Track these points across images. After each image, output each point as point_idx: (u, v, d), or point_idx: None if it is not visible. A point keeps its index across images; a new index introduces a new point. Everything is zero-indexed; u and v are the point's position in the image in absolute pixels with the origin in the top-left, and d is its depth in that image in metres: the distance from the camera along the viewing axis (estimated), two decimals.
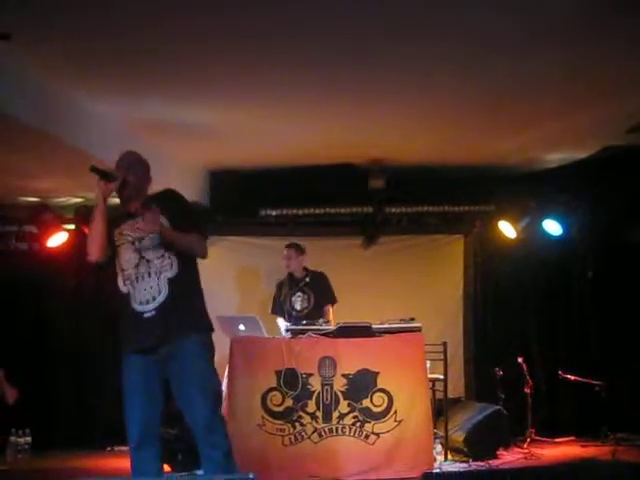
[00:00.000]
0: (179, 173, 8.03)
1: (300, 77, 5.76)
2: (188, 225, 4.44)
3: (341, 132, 7.14)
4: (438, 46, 5.23)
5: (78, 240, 8.60)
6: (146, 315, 4.35)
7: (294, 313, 7.53)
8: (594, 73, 5.75)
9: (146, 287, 4.36)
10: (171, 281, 4.37)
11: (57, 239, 8.52)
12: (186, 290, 4.44)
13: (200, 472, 5.84)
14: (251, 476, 3.19)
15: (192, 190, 8.32)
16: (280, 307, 7.74)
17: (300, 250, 7.77)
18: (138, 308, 4.38)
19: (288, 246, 7.78)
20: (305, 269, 7.80)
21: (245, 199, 8.56)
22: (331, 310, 7.65)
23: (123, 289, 4.45)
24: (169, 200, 4.55)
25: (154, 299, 4.35)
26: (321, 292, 7.72)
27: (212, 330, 4.57)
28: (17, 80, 5.28)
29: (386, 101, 6.34)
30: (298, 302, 7.67)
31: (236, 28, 4.83)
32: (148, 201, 4.47)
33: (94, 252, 4.42)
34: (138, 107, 6.36)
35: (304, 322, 7.00)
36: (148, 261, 4.38)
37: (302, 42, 5.09)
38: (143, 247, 4.39)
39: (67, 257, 8.67)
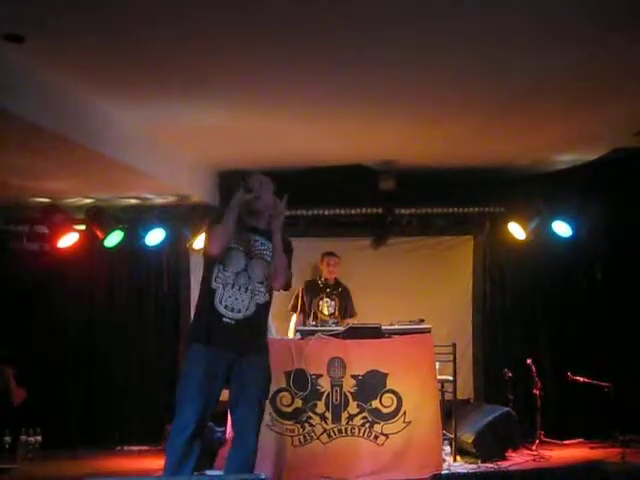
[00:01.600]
0: (189, 173, 8.06)
1: (311, 77, 5.76)
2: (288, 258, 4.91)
3: (352, 133, 7.15)
4: (450, 48, 5.22)
5: (89, 241, 8.65)
6: (225, 320, 4.69)
7: (321, 316, 7.66)
8: (605, 75, 5.74)
9: (238, 297, 4.73)
10: (259, 306, 4.78)
11: (68, 240, 8.54)
12: (264, 318, 4.91)
13: (210, 472, 5.90)
14: (263, 476, 3.21)
15: (202, 190, 8.35)
16: (303, 307, 7.84)
17: (338, 259, 8.10)
18: (221, 310, 4.71)
19: (334, 255, 8.14)
20: (337, 279, 8.13)
21: None
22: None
23: (214, 285, 4.74)
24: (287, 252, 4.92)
25: (239, 311, 4.71)
26: (345, 304, 8.03)
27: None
28: (29, 80, 5.31)
29: (397, 102, 6.34)
30: (326, 307, 7.81)
31: (249, 29, 4.84)
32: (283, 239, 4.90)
33: (218, 248, 4.71)
34: (150, 107, 6.37)
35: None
36: (250, 278, 4.76)
37: (315, 42, 5.09)
38: (252, 262, 4.79)
39: (78, 257, 8.71)
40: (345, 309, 8.02)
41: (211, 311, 4.71)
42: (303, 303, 7.99)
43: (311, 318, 7.84)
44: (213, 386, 4.67)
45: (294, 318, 7.84)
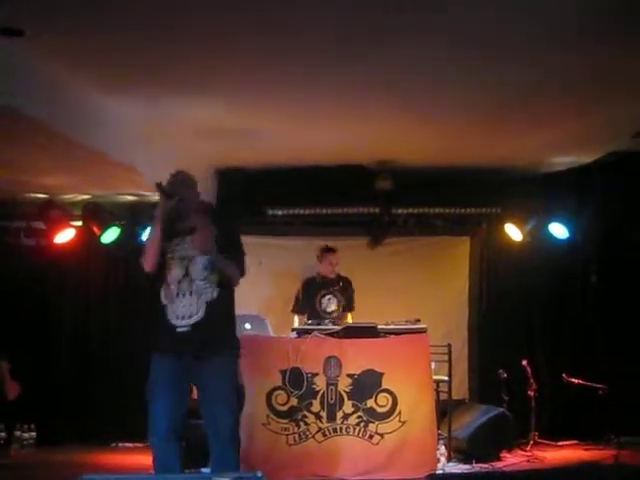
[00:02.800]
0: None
1: (310, 77, 5.78)
2: (233, 250, 4.75)
3: (349, 133, 7.15)
4: (447, 49, 5.24)
5: (85, 237, 8.65)
6: (179, 330, 4.62)
7: (325, 315, 7.54)
8: (601, 78, 5.75)
9: (185, 304, 4.63)
10: (209, 304, 4.65)
11: (65, 235, 8.55)
12: (220, 313, 4.71)
13: (205, 470, 5.90)
14: (259, 475, 3.21)
15: (199, 188, 8.32)
16: (304, 306, 7.75)
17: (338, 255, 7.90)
18: (173, 321, 4.64)
19: (333, 250, 7.88)
20: (337, 273, 7.89)
21: (252, 198, 8.57)
22: (349, 317, 7.70)
23: (163, 301, 4.69)
24: (222, 219, 4.82)
25: (190, 317, 4.62)
26: (347, 298, 7.82)
27: (239, 349, 4.87)
28: (28, 75, 5.31)
29: (394, 103, 6.35)
30: (329, 304, 7.69)
31: (248, 27, 4.85)
32: (204, 215, 4.74)
33: (149, 262, 4.65)
34: (148, 104, 6.37)
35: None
36: (192, 280, 4.65)
37: (313, 43, 5.11)
38: (191, 266, 4.65)
39: (74, 254, 8.71)
40: (347, 303, 7.82)
41: (165, 323, 4.66)
42: (303, 302, 7.83)
43: (312, 316, 7.61)
44: (176, 390, 4.66)
45: (296, 319, 7.76)
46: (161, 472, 4.61)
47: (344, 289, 7.81)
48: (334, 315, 7.59)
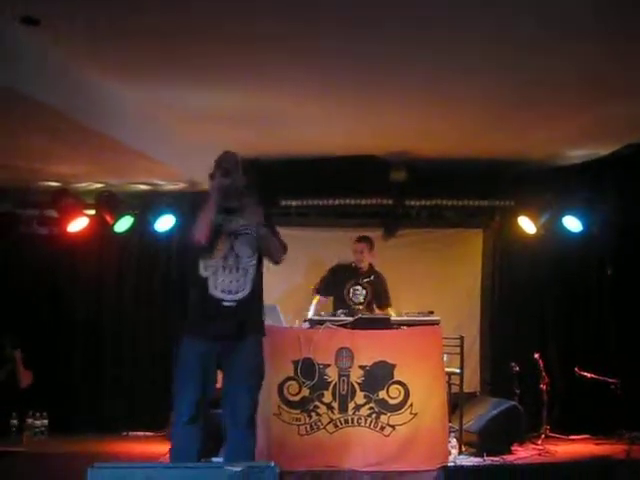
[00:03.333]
0: (200, 159, 8.03)
1: (325, 67, 5.75)
2: (273, 231, 4.99)
3: (364, 124, 7.13)
4: (464, 41, 5.21)
5: (98, 226, 8.66)
6: (225, 304, 4.74)
7: (351, 304, 7.48)
8: (618, 70, 5.71)
9: (232, 279, 4.76)
10: (253, 281, 4.83)
11: (78, 224, 8.56)
12: (259, 291, 4.93)
13: (217, 459, 5.92)
14: (272, 464, 3.22)
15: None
16: (330, 291, 7.69)
17: (372, 244, 7.77)
18: (218, 295, 4.75)
19: (360, 240, 7.74)
20: (371, 266, 7.78)
21: (266, 189, 8.52)
22: (392, 312, 7.54)
23: (203, 273, 4.77)
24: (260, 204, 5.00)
25: (236, 292, 4.75)
26: (378, 293, 7.71)
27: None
28: (44, 64, 5.31)
29: (410, 94, 6.33)
30: (358, 295, 7.62)
31: (264, 15, 4.83)
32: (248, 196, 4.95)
33: (203, 234, 4.70)
34: (162, 91, 6.36)
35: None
36: (237, 256, 4.79)
37: (331, 31, 5.07)
38: (236, 242, 4.80)
39: (87, 242, 8.73)
40: (379, 298, 7.70)
41: (207, 298, 4.74)
42: (328, 285, 7.73)
43: (338, 302, 7.56)
44: (207, 374, 4.77)
45: (315, 300, 7.70)
46: (179, 456, 4.69)
47: (374, 283, 7.70)
48: (360, 307, 7.47)
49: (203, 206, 4.78)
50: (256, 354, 4.88)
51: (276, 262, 4.99)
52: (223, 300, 4.73)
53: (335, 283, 7.71)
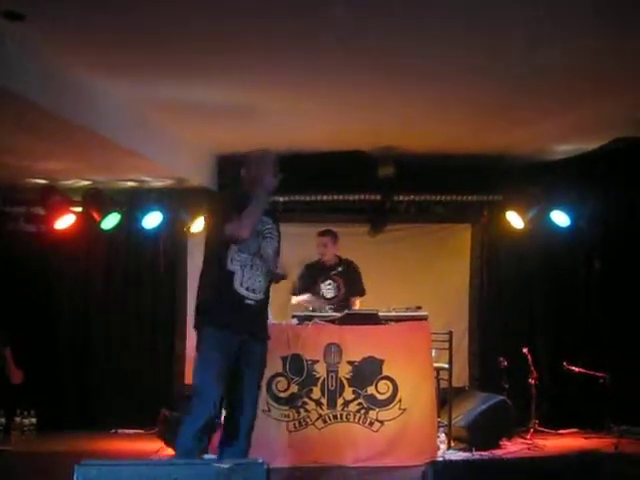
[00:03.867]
0: (187, 156, 8.04)
1: (313, 63, 5.74)
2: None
3: (352, 119, 7.12)
4: (451, 36, 5.21)
5: (86, 223, 8.63)
6: (247, 302, 4.72)
7: (325, 301, 7.42)
8: (607, 65, 5.72)
9: (256, 278, 4.74)
10: (268, 286, 4.86)
11: (65, 221, 8.53)
12: (268, 297, 4.92)
13: (207, 456, 5.89)
14: (260, 460, 3.21)
15: (200, 174, 8.33)
16: (304, 291, 7.60)
17: (336, 237, 7.65)
18: (242, 292, 4.71)
19: (323, 233, 7.65)
20: (338, 257, 7.66)
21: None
22: (358, 302, 7.53)
23: (230, 267, 4.71)
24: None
25: (257, 292, 4.76)
26: (351, 282, 7.59)
27: None
28: (29, 60, 5.27)
29: (398, 89, 6.32)
30: (328, 290, 7.55)
31: (250, 10, 4.81)
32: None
33: (249, 230, 4.65)
34: (149, 88, 6.34)
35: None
36: (264, 260, 4.79)
37: (317, 27, 5.06)
38: (263, 243, 4.82)
39: (75, 239, 8.70)
40: (352, 288, 7.56)
41: (231, 293, 4.68)
42: (301, 286, 7.60)
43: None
44: (226, 368, 4.67)
45: (293, 300, 7.62)
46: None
47: (345, 273, 7.58)
48: (333, 301, 7.40)
49: (238, 203, 4.69)
50: (265, 359, 4.92)
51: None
52: (246, 298, 4.70)
53: (307, 283, 7.62)
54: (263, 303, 4.83)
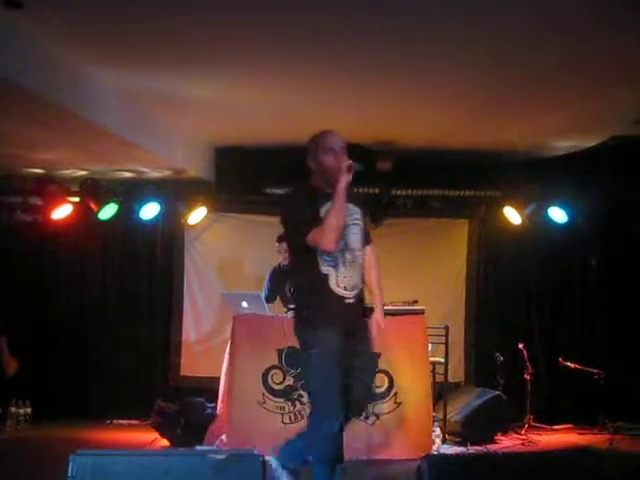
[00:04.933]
0: (185, 148, 8.02)
1: (311, 55, 5.72)
2: (369, 237, 4.67)
3: (350, 112, 7.10)
4: (449, 32, 5.19)
5: (83, 213, 8.62)
6: (347, 301, 4.41)
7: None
8: (604, 63, 5.71)
9: (347, 275, 4.41)
10: (361, 276, 4.51)
11: (62, 211, 8.51)
12: (363, 288, 4.55)
13: (200, 448, 5.91)
14: (255, 452, 3.21)
15: (197, 165, 8.31)
16: (275, 295, 7.59)
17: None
18: (340, 292, 4.40)
19: (281, 239, 7.32)
20: None
21: (250, 176, 8.53)
22: None
23: (323, 269, 4.38)
24: (362, 204, 4.64)
25: (353, 289, 4.43)
26: None
27: None
28: (26, 49, 5.25)
29: (397, 83, 6.31)
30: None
31: (249, 2, 4.79)
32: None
33: (334, 245, 4.31)
34: (146, 79, 6.31)
35: None
36: (352, 250, 4.44)
37: (314, 19, 5.04)
38: (348, 234, 4.43)
39: (71, 230, 8.69)
40: None
41: (331, 296, 4.38)
42: (271, 291, 7.59)
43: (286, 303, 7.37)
44: (340, 374, 4.38)
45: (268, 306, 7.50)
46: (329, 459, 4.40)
47: None
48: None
49: (311, 203, 4.38)
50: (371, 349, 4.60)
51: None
52: (345, 298, 4.40)
53: (275, 287, 7.59)
54: (361, 295, 4.51)
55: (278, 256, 7.58)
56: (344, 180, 4.31)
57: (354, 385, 4.44)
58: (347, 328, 4.39)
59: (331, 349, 4.33)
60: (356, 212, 4.52)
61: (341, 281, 4.40)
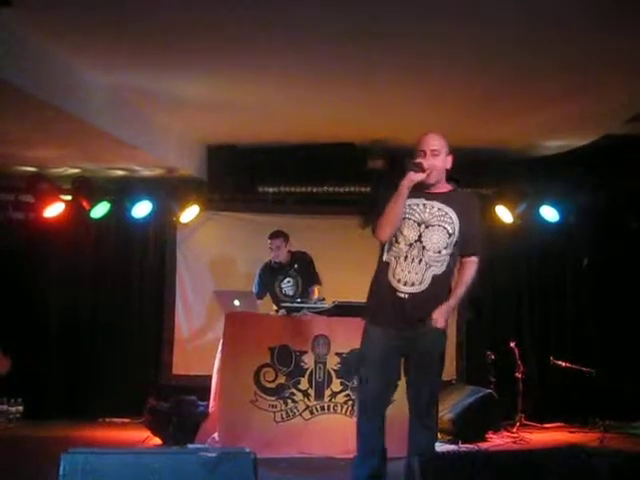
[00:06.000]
0: (177, 146, 8.01)
1: (304, 53, 5.72)
2: (474, 250, 4.61)
3: (342, 111, 7.11)
4: (442, 30, 5.20)
5: (75, 211, 8.61)
6: (399, 294, 4.48)
7: (287, 300, 7.33)
8: (596, 61, 5.72)
9: (411, 270, 4.47)
10: (435, 277, 4.48)
11: (54, 209, 8.49)
12: (441, 288, 4.53)
13: (192, 446, 5.91)
14: (247, 450, 3.21)
15: (190, 163, 8.31)
16: (264, 292, 7.59)
17: (287, 238, 7.57)
18: (394, 284, 4.49)
19: (274, 236, 7.52)
20: (290, 254, 7.60)
21: (243, 175, 8.53)
22: (317, 291, 7.48)
23: (385, 258, 4.56)
24: (471, 211, 4.64)
25: (413, 285, 4.47)
26: (307, 275, 7.56)
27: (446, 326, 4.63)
28: (16, 46, 5.22)
29: (388, 82, 6.31)
30: (288, 288, 7.52)
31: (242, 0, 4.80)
32: (450, 195, 4.61)
33: (387, 233, 4.50)
34: (138, 77, 6.31)
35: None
36: (424, 248, 4.48)
37: (308, 17, 5.04)
38: (426, 233, 4.49)
39: (63, 228, 8.67)
40: (308, 280, 7.53)
41: (384, 282, 4.54)
42: (260, 288, 7.59)
43: (275, 302, 7.47)
44: (387, 362, 4.57)
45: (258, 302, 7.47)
46: (367, 452, 4.71)
47: (301, 268, 7.56)
48: (296, 297, 7.34)
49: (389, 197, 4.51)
50: (440, 340, 4.59)
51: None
52: (397, 290, 4.49)
53: (266, 283, 7.60)
54: (425, 296, 4.47)
55: (270, 253, 7.58)
56: (408, 178, 4.45)
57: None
58: (396, 323, 4.51)
59: (371, 346, 4.59)
60: (448, 215, 4.53)
61: (399, 274, 4.48)
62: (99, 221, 8.65)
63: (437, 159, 4.55)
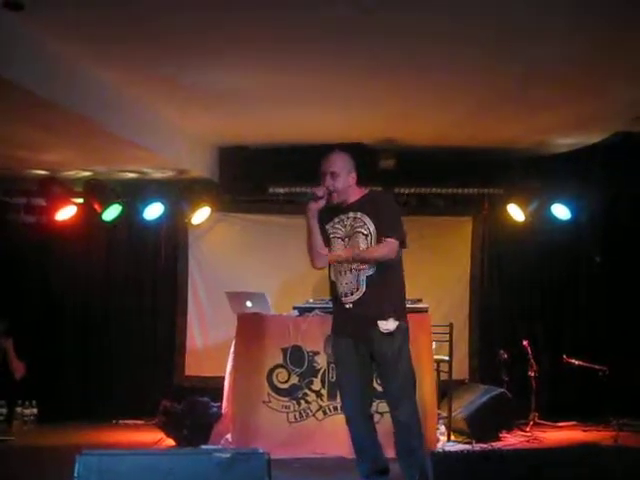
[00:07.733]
0: (188, 148, 8.02)
1: (316, 54, 5.72)
2: (386, 233, 4.89)
3: (353, 111, 7.11)
4: (454, 28, 5.19)
5: (86, 214, 8.64)
6: (346, 306, 4.90)
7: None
8: (608, 59, 5.71)
9: (347, 281, 4.87)
10: (370, 279, 4.83)
11: (65, 212, 8.53)
12: (380, 287, 4.86)
13: (206, 447, 5.92)
14: (261, 450, 3.21)
15: (201, 165, 8.32)
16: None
17: None
18: (342, 299, 4.90)
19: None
20: None
21: (254, 176, 8.54)
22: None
23: (332, 277, 4.98)
24: (378, 205, 4.99)
25: (352, 294, 4.86)
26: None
27: (403, 318, 5.01)
28: (29, 49, 5.24)
29: (400, 81, 6.31)
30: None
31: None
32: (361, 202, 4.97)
33: (317, 263, 4.98)
34: (150, 79, 6.31)
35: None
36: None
37: (318, 15, 5.04)
38: (350, 244, 4.88)
39: (76, 231, 8.69)
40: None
41: (338, 303, 4.95)
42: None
43: None
44: (357, 369, 4.92)
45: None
46: (358, 452, 5.03)
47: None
48: None
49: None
50: (389, 341, 4.88)
51: (388, 261, 4.95)
52: (345, 303, 4.91)
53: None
54: (365, 299, 4.83)
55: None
56: (309, 209, 4.91)
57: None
58: (350, 331, 4.89)
59: (341, 356, 5.00)
60: (361, 219, 4.90)
61: (341, 288, 4.89)
62: (111, 224, 8.67)
63: (338, 180, 4.89)
